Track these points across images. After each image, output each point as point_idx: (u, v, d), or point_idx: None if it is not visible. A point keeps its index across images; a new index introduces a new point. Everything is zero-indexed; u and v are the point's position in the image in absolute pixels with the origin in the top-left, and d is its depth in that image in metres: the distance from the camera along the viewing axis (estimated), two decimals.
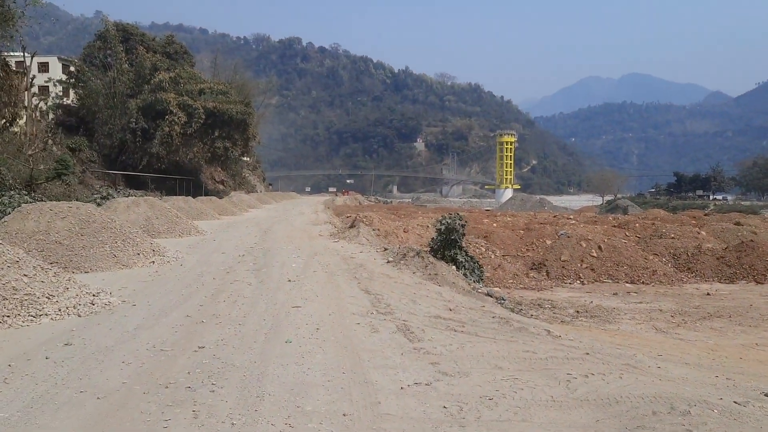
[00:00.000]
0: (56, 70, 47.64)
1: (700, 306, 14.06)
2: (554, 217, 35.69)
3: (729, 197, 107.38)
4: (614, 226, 26.51)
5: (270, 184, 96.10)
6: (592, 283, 17.81)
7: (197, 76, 48.08)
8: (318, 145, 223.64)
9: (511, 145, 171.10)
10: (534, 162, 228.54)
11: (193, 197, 35.64)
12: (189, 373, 5.42)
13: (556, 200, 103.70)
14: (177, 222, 21.66)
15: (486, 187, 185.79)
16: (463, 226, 12.52)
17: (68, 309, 8.23)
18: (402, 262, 12.47)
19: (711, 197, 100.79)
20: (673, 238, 22.57)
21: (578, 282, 17.93)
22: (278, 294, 9.51)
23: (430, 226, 25.24)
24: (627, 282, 17.90)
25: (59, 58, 50.68)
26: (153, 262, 13.56)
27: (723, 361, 7.61)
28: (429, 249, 13.27)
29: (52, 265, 12.19)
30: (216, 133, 44.60)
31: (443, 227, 12.47)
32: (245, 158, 64.27)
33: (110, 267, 12.67)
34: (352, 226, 21.37)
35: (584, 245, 19.85)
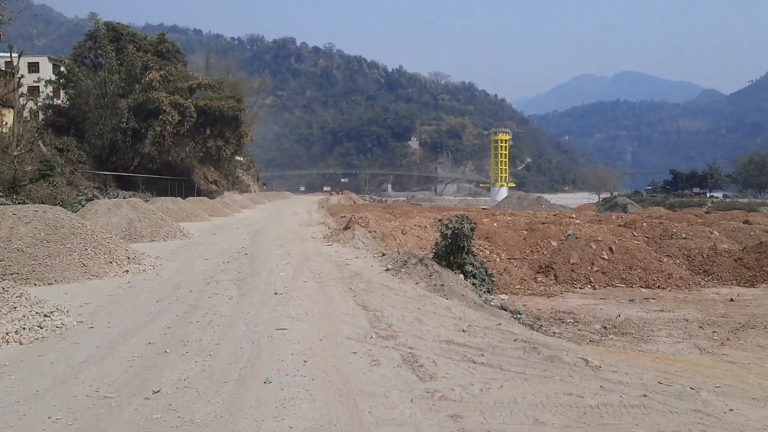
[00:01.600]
0: (46, 70, 46.37)
1: (726, 314, 12.95)
2: (555, 215, 34.39)
3: (728, 194, 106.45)
4: (620, 226, 25.21)
5: (264, 184, 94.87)
6: (605, 287, 16.63)
7: (188, 73, 46.73)
8: (312, 145, 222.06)
9: (506, 143, 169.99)
10: (528, 160, 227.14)
11: (185, 198, 34.42)
12: None
13: (552, 198, 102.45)
14: (161, 225, 20.49)
15: (481, 185, 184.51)
16: (472, 229, 11.09)
17: (9, 334, 6.91)
18: (403, 270, 11.11)
19: (708, 195, 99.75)
20: (685, 238, 21.30)
21: (589, 287, 16.75)
22: (262, 311, 8.18)
23: (428, 226, 23.94)
24: (642, 287, 16.74)
25: (49, 58, 49.33)
26: (127, 271, 12.25)
27: None
28: (433, 255, 11.91)
29: (12, 276, 10.90)
30: (208, 132, 43.25)
31: (449, 232, 11.00)
32: (239, 158, 62.97)
33: (78, 277, 11.36)
34: (346, 228, 20.08)
35: (594, 247, 18.64)
